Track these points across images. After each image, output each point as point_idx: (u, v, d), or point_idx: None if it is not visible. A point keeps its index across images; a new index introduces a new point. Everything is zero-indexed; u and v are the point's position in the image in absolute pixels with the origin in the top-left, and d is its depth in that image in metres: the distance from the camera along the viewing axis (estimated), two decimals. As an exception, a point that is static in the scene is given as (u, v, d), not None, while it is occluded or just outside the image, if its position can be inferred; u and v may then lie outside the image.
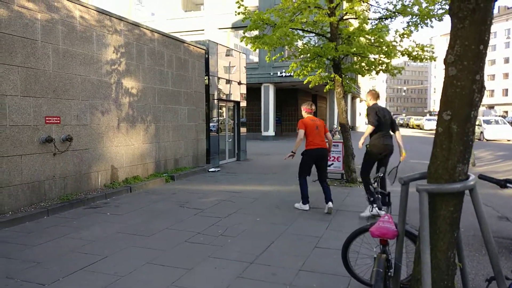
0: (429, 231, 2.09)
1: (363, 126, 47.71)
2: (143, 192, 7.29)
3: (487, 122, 23.24)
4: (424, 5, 7.88)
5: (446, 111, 2.08)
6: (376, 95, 5.83)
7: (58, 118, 6.18)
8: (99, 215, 5.54)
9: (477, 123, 20.94)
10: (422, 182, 2.19)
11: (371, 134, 5.66)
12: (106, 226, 4.98)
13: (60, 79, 6.21)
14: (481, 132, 22.68)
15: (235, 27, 23.04)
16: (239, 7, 7.92)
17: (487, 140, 22.10)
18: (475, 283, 3.44)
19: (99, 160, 7.07)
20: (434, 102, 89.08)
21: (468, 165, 2.12)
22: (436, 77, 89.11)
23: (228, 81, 12.09)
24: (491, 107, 62.44)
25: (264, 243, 4.32)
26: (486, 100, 68.52)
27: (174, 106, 9.38)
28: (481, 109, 42.96)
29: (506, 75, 66.86)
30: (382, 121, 5.55)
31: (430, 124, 38.71)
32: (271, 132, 23.73)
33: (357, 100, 38.02)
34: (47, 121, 5.97)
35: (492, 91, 69.23)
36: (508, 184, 2.14)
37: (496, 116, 35.26)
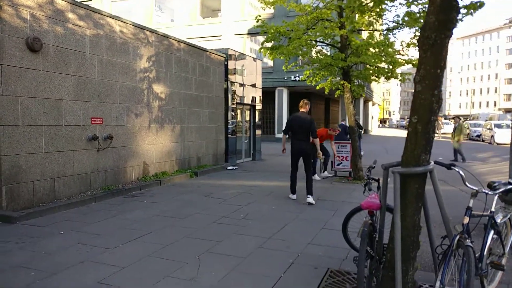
0: (400, 202, 2.89)
1: (375, 129, 47.98)
2: (172, 185, 8.22)
3: (498, 126, 23.53)
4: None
5: (414, 116, 2.89)
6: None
7: (101, 119, 7.16)
8: (138, 203, 6.48)
9: (488, 127, 21.18)
10: (397, 168, 2.99)
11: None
12: (146, 211, 5.90)
13: (103, 85, 7.20)
14: (492, 136, 22.97)
15: (251, 33, 23.97)
16: (257, 22, 8.81)
17: (497, 143, 22.36)
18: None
19: (133, 156, 8.03)
20: (449, 106, 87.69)
21: (429, 155, 2.91)
22: (452, 80, 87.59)
23: (245, 86, 13.00)
24: (508, 111, 61.68)
25: (279, 225, 5.17)
26: (503, 104, 67.64)
27: (197, 109, 10.32)
28: (497, 113, 42.62)
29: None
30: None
31: (445, 127, 37.72)
32: (284, 134, 24.48)
33: (370, 103, 38.45)
34: (92, 122, 6.96)
35: (510, 95, 68.33)
36: (452, 167, 2.92)
37: (509, 120, 35.03)
